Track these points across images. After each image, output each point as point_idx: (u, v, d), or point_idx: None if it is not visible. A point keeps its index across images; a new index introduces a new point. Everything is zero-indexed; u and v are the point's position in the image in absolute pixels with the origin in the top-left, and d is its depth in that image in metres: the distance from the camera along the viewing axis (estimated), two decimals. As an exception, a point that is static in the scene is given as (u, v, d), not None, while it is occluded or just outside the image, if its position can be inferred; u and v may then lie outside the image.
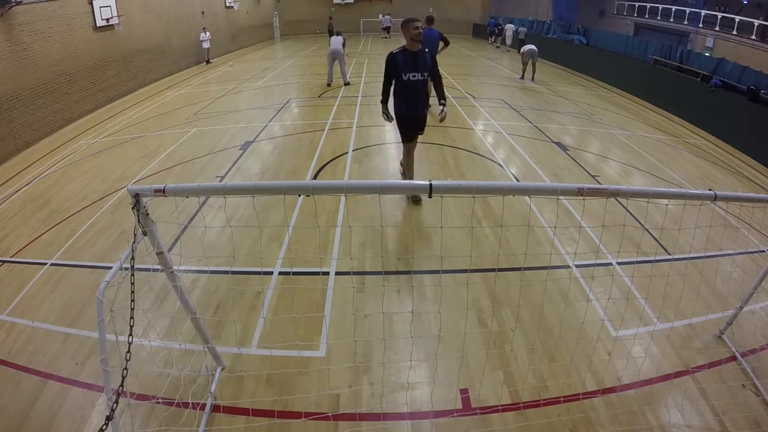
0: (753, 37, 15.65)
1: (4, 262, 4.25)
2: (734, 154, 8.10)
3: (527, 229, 4.26)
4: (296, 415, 2.49)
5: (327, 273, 3.81)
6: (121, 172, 6.25)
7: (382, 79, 4.52)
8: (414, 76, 4.38)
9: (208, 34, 15.92)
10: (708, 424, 2.47)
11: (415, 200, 4.97)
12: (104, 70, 10.66)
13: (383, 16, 25.30)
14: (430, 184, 1.71)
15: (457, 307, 3.25)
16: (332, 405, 2.57)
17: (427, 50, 4.45)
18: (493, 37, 21.48)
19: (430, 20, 8.42)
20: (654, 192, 2.05)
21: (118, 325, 2.06)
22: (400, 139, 4.89)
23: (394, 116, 4.62)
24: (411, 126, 4.65)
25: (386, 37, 24.27)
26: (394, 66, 4.39)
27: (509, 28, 19.96)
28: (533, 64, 12.71)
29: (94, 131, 8.68)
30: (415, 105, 4.56)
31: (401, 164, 5.16)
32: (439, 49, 8.40)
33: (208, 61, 16.25)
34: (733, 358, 2.96)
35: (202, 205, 4.89)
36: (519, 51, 19.03)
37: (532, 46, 12.32)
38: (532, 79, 12.86)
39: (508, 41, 19.64)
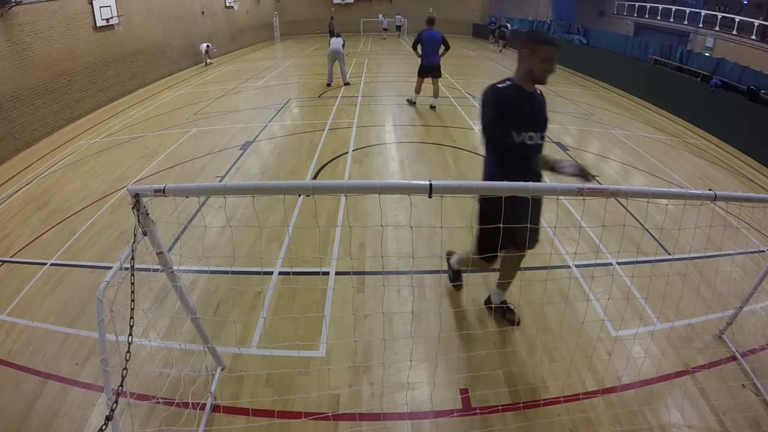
0: (753, 37, 15.66)
1: (4, 262, 4.24)
2: (734, 154, 8.09)
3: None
4: (296, 415, 2.49)
5: (327, 273, 3.80)
6: (121, 172, 6.25)
7: (482, 138, 2.58)
8: (531, 138, 2.49)
9: (211, 47, 16.18)
10: (708, 424, 2.47)
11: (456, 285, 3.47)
12: (104, 70, 10.66)
13: (389, 18, 25.51)
14: (430, 184, 1.71)
15: (457, 307, 3.25)
16: (332, 405, 2.57)
17: (538, 89, 2.62)
18: (493, 38, 21.58)
19: (431, 21, 8.19)
20: (654, 192, 2.05)
21: (118, 325, 2.06)
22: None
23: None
24: (510, 227, 2.15)
25: (385, 38, 24.43)
26: (502, 114, 2.43)
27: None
28: None
29: (94, 131, 8.68)
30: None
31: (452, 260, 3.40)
32: (440, 53, 8.35)
33: (207, 63, 16.25)
34: (733, 358, 2.95)
35: (202, 205, 4.89)
36: (505, 46, 19.64)
37: None
38: None
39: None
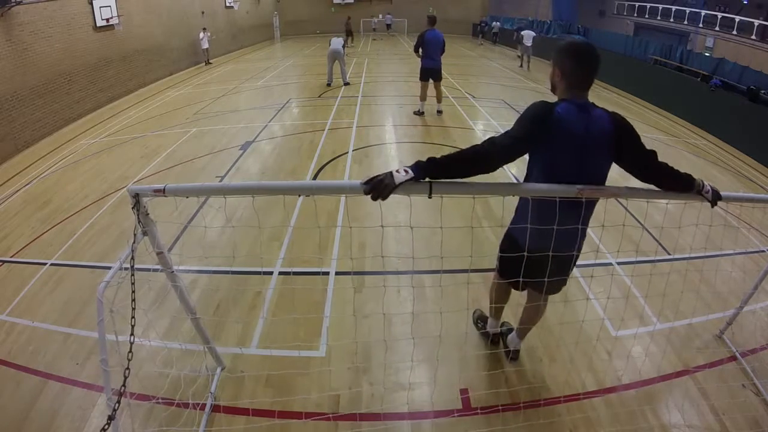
0: (753, 37, 15.68)
1: (4, 262, 4.24)
2: (734, 154, 8.09)
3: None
4: (296, 415, 2.49)
5: (327, 273, 3.80)
6: (121, 172, 6.25)
7: None
8: None
9: (207, 33, 15.85)
10: (708, 424, 2.47)
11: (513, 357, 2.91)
12: (104, 70, 10.66)
13: (377, 17, 26.09)
14: (430, 184, 1.72)
15: (457, 307, 3.25)
16: (332, 405, 2.57)
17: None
18: (482, 37, 22.56)
19: (433, 21, 7.74)
20: (654, 192, 2.06)
21: (118, 325, 2.06)
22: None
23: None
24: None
25: (377, 39, 24.67)
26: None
27: (496, 26, 21.42)
28: (528, 57, 14.46)
29: (94, 131, 8.68)
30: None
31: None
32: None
33: (207, 62, 16.23)
34: (733, 358, 2.95)
35: (202, 205, 4.89)
36: (496, 43, 21.12)
37: (527, 44, 14.01)
38: (528, 68, 14.45)
39: (498, 39, 21.19)
